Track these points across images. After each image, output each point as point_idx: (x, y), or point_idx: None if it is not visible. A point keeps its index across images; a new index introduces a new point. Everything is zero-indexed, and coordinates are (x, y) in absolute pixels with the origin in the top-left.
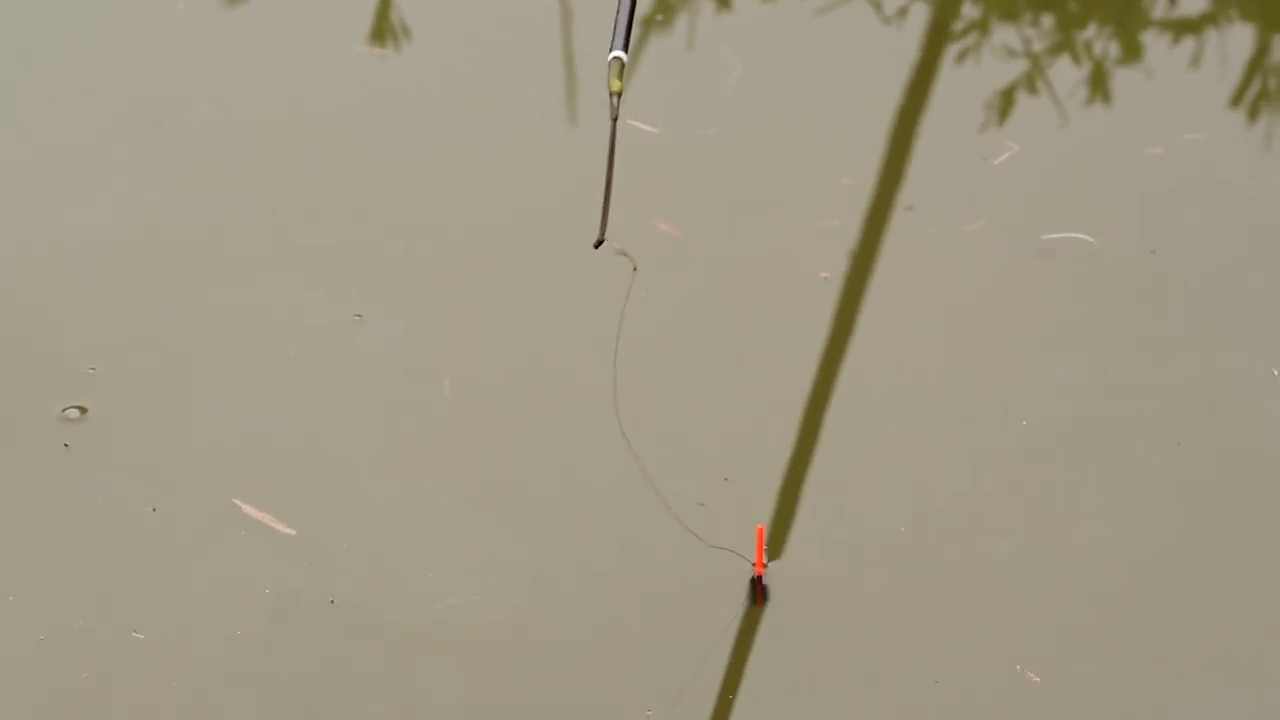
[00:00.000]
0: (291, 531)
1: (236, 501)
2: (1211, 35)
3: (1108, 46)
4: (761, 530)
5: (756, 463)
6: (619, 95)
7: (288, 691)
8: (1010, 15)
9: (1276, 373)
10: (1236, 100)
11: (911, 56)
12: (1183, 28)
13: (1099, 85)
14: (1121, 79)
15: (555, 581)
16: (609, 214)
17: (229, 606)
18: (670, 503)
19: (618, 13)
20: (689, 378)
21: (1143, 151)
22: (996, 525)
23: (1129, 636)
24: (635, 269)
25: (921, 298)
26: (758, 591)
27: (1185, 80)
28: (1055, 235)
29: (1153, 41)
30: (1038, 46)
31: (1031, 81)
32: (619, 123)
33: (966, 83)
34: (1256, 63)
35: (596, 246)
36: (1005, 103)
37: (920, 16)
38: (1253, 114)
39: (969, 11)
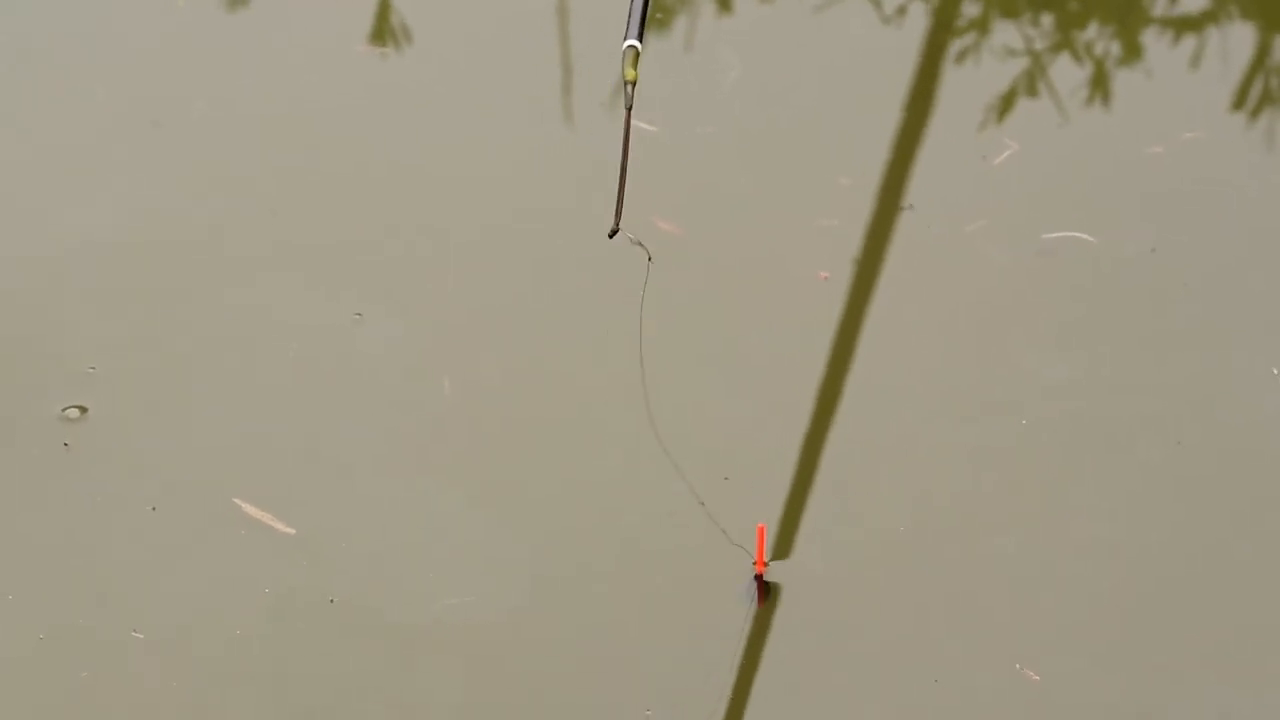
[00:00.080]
0: (291, 531)
1: (236, 501)
2: (1212, 34)
3: (1108, 45)
4: (762, 529)
5: (756, 462)
6: (633, 84)
7: (287, 691)
8: (1010, 14)
9: (1276, 371)
10: (1237, 99)
11: (911, 56)
12: (1183, 26)
13: (1099, 84)
14: (1122, 78)
15: (555, 581)
16: (624, 203)
17: (228, 606)
18: (688, 497)
19: (632, 2)
20: (688, 377)
21: (1143, 151)
22: (996, 524)
23: (1128, 635)
24: (650, 259)
25: (921, 297)
26: (758, 590)
27: (1185, 79)
28: (1055, 234)
29: (1153, 40)
30: (1038, 45)
31: (1031, 80)
32: (633, 111)
33: (966, 82)
34: (1257, 62)
35: (611, 236)
36: (1005, 102)
37: (920, 15)
38: (1253, 113)
39: (969, 10)
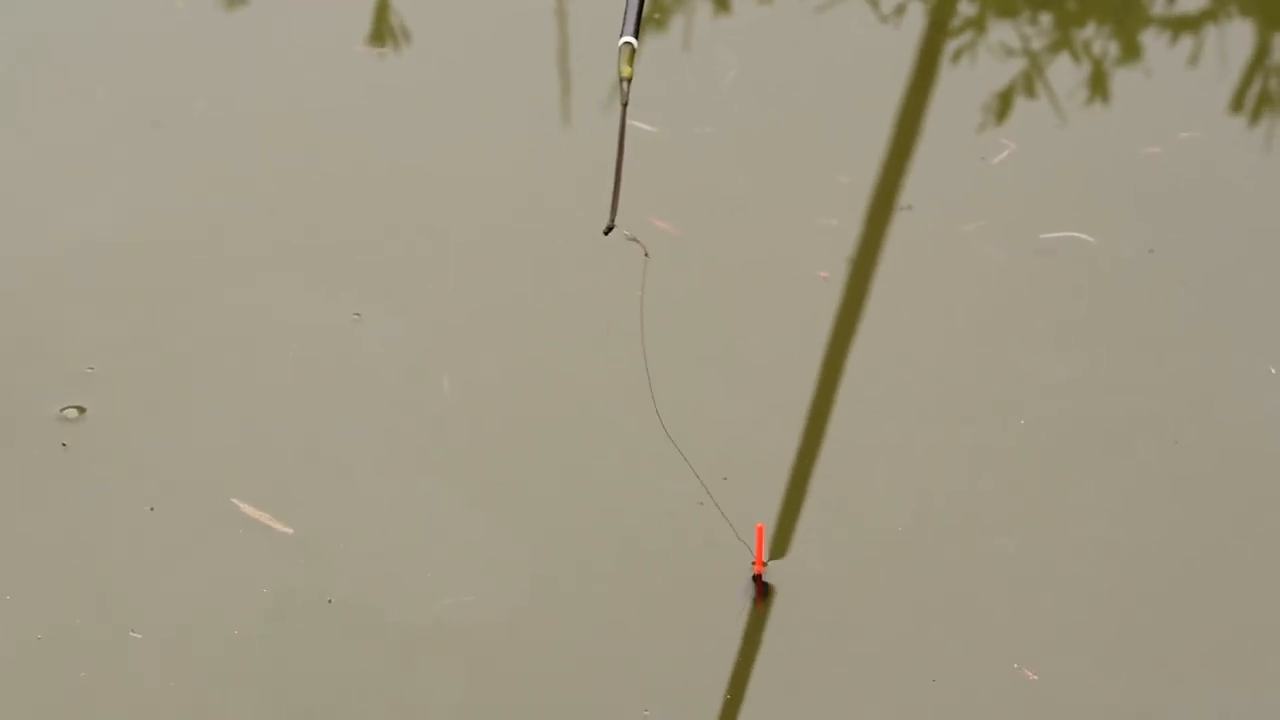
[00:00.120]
0: (290, 530)
1: (235, 501)
2: (1210, 33)
3: (1106, 45)
4: (761, 529)
5: (755, 462)
6: (629, 81)
7: (286, 691)
8: (1008, 13)
9: (1274, 370)
10: (1236, 100)
11: (909, 55)
12: (1182, 25)
13: (1097, 84)
14: (1120, 78)
15: (555, 581)
16: (619, 200)
17: (227, 606)
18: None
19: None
20: (688, 376)
21: (1141, 150)
22: (995, 524)
23: (1127, 634)
24: (647, 255)
25: (920, 297)
26: (758, 590)
27: (1184, 79)
28: (1054, 234)
29: (1151, 40)
30: (1036, 45)
31: (1029, 80)
32: (632, 111)
33: (964, 81)
34: (1256, 62)
35: (606, 233)
36: (1003, 102)
37: (918, 15)
38: (1251, 113)
39: (966, 9)
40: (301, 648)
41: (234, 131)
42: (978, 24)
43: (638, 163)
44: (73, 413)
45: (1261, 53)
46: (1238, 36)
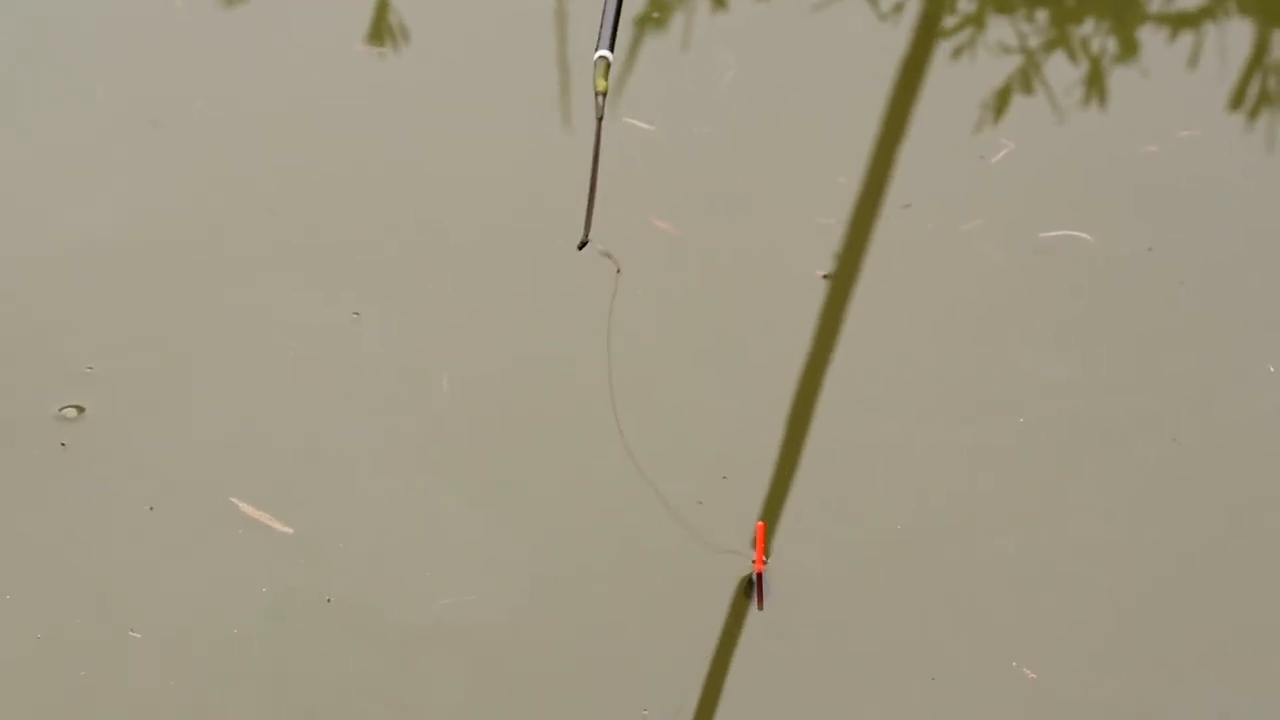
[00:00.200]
0: (289, 530)
1: (234, 500)
2: (1210, 31)
3: (1104, 42)
4: (762, 527)
5: (755, 461)
6: (604, 95)
7: (285, 690)
8: (1005, 9)
9: (1273, 369)
10: (1235, 98)
11: (907, 54)
12: (1180, 22)
13: (1095, 82)
14: (1118, 76)
15: (554, 581)
16: (593, 215)
17: (226, 605)
18: (670, 505)
19: (604, 11)
20: (687, 376)
21: (1139, 149)
22: (993, 522)
23: (1125, 633)
24: (619, 270)
25: (918, 296)
26: (758, 589)
27: (1182, 77)
28: (1052, 233)
29: (1149, 37)
30: (1033, 42)
31: (1027, 78)
32: (604, 122)
33: (962, 80)
34: (1255, 60)
35: (580, 248)
36: (1001, 100)
37: (916, 14)
38: (1250, 112)
39: (964, 7)
40: (301, 647)
41: (233, 131)
42: (976, 21)
43: (636, 161)
44: (72, 412)
45: (1261, 51)
46: (1237, 34)
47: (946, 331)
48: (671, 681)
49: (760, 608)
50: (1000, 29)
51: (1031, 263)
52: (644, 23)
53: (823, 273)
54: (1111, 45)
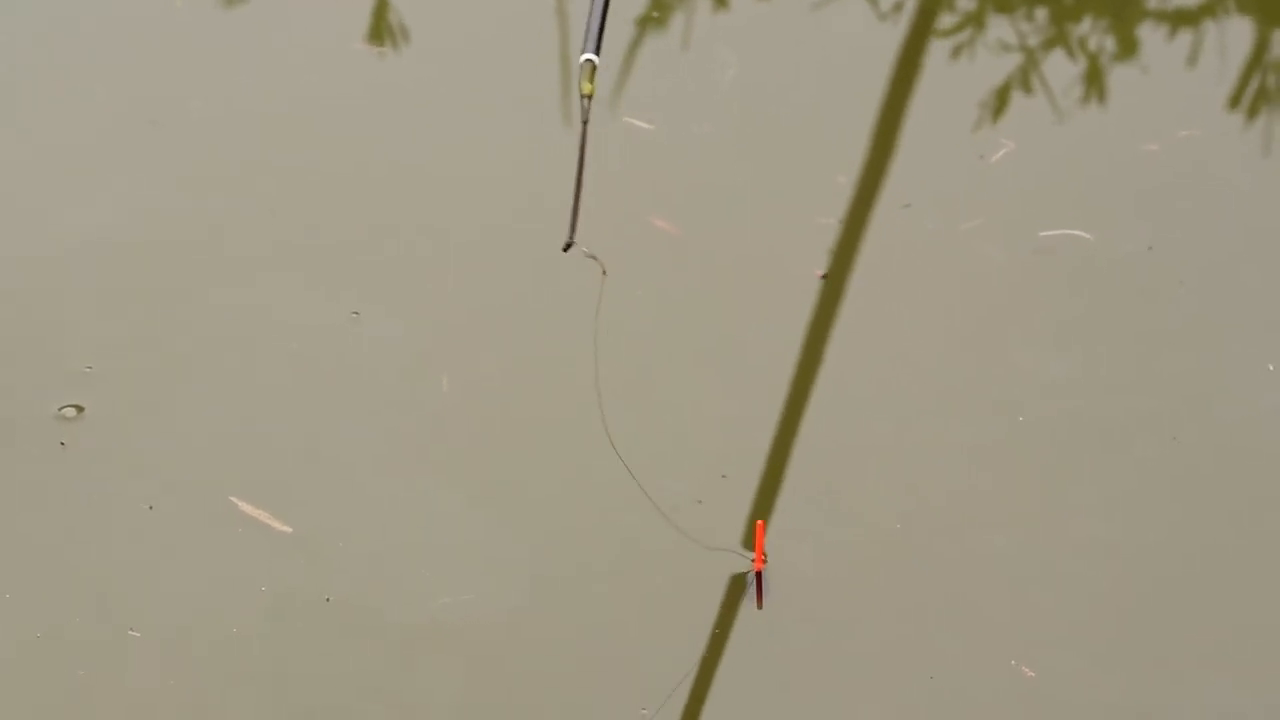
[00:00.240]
0: (288, 529)
1: (233, 499)
2: (1209, 29)
3: (1103, 40)
4: (761, 526)
5: (755, 460)
6: (589, 98)
7: (285, 690)
8: (1004, 8)
9: (1272, 368)
10: (1234, 97)
11: (906, 53)
12: (1180, 21)
13: (1094, 81)
14: (1117, 74)
15: (554, 581)
16: (580, 216)
17: (226, 604)
18: (662, 507)
19: (590, 14)
20: (686, 375)
21: (1139, 148)
22: (992, 521)
23: (1124, 632)
24: (604, 273)
25: (918, 295)
26: (757, 588)
27: (1181, 76)
28: (1052, 232)
29: (1148, 35)
30: (1032, 41)
31: (1026, 78)
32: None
33: (962, 79)
34: (1254, 59)
35: (565, 250)
36: (1000, 99)
37: (915, 12)
38: (1250, 111)
39: (963, 5)
40: (300, 647)
41: (233, 131)
42: (976, 20)
43: (636, 160)
44: (71, 412)
45: (1260, 49)
46: (1236, 33)
47: (946, 331)
48: (672, 682)
49: (760, 607)
50: (1000, 28)
51: (1031, 262)
52: (644, 22)
53: (822, 272)
54: (1110, 44)
